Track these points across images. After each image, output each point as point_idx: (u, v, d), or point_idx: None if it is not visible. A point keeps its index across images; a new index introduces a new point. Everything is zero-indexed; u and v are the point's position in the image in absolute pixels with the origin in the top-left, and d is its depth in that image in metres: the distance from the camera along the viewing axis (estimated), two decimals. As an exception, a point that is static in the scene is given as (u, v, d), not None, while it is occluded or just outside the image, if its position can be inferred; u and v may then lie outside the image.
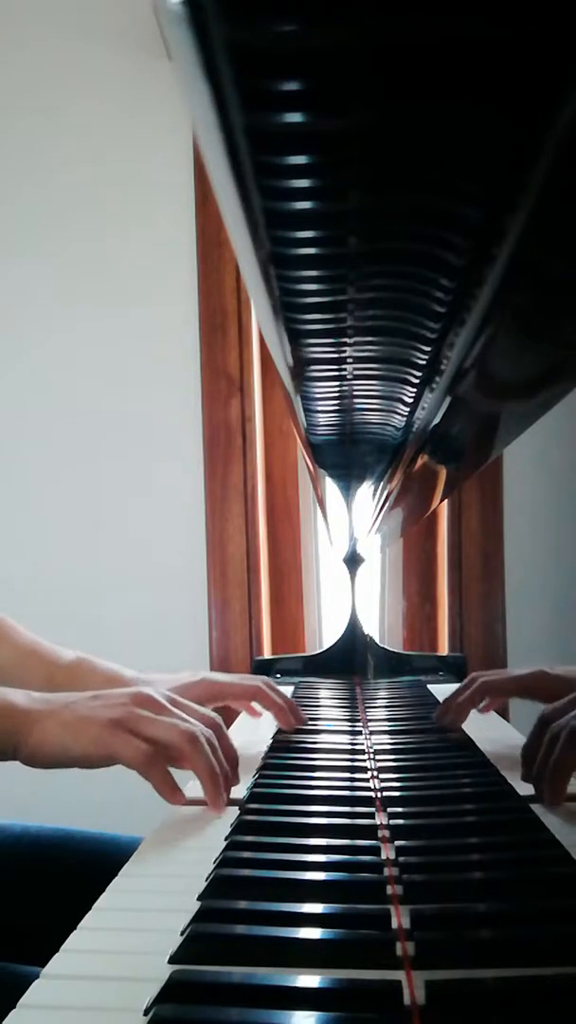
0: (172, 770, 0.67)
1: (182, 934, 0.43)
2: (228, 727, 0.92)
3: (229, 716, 0.94)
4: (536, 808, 0.64)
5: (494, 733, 0.94)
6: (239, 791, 0.70)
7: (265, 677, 0.93)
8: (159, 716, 0.68)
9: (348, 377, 0.56)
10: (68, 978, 0.41)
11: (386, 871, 0.51)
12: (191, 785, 0.68)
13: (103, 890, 0.52)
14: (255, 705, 0.93)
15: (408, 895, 0.48)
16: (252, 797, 0.68)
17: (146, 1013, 0.37)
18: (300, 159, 0.29)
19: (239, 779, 0.70)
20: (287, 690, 1.22)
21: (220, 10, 0.21)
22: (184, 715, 0.70)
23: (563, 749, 0.65)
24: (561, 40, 0.22)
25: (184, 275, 1.93)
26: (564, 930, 0.43)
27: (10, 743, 0.68)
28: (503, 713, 1.02)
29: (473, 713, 0.94)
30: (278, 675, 1.35)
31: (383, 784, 0.70)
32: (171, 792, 0.66)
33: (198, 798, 0.67)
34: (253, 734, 0.95)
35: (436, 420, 0.61)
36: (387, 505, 1.05)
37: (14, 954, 0.77)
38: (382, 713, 1.06)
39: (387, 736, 0.90)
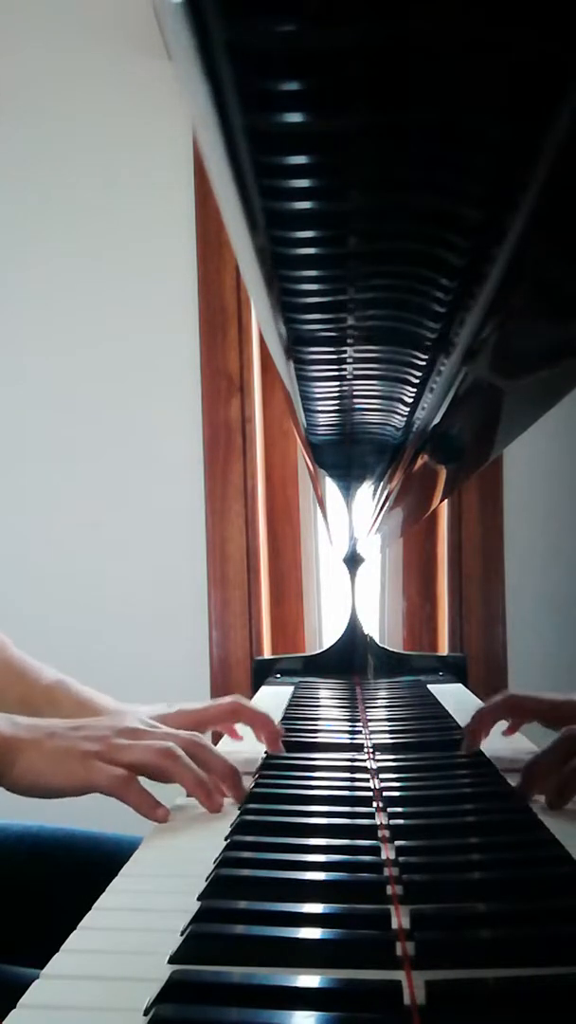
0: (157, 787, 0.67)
1: (182, 934, 0.43)
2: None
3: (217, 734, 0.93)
4: (536, 808, 0.64)
5: (495, 733, 0.93)
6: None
7: (237, 695, 0.91)
8: (135, 742, 0.68)
9: (348, 377, 0.56)
10: (68, 978, 0.41)
11: (386, 871, 0.51)
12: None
13: (103, 890, 0.52)
14: (236, 727, 0.91)
15: (408, 895, 0.48)
16: (252, 797, 0.68)
17: (146, 1013, 0.37)
18: (300, 159, 0.29)
19: (243, 790, 0.69)
20: (287, 690, 1.22)
21: (220, 10, 0.21)
22: (161, 735, 0.70)
23: None
24: (561, 40, 0.22)
25: (184, 275, 1.93)
26: (564, 930, 0.43)
27: None
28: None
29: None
30: (278, 675, 1.35)
31: (383, 784, 0.70)
32: (151, 809, 0.66)
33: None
34: (253, 735, 0.95)
35: (436, 420, 0.61)
36: (387, 505, 1.05)
37: (14, 954, 0.77)
38: (382, 713, 1.06)
39: (387, 736, 0.90)
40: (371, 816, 0.62)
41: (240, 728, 0.91)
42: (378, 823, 0.60)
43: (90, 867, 0.84)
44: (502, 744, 0.87)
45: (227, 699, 0.90)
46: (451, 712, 1.02)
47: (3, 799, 0.72)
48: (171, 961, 0.41)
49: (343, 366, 0.53)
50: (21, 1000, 0.38)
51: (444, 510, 1.90)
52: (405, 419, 0.66)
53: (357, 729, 0.93)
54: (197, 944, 0.42)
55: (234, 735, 0.92)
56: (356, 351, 0.50)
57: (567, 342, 0.43)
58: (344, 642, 1.36)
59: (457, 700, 1.12)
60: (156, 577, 1.92)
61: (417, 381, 0.55)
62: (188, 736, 0.71)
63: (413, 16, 0.22)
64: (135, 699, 0.93)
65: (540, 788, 0.67)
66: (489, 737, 0.87)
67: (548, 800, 0.65)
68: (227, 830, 0.60)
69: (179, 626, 1.91)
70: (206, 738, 0.74)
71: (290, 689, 1.23)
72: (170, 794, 0.69)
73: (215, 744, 0.85)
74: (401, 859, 0.52)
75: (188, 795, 0.69)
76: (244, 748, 0.88)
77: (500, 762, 0.77)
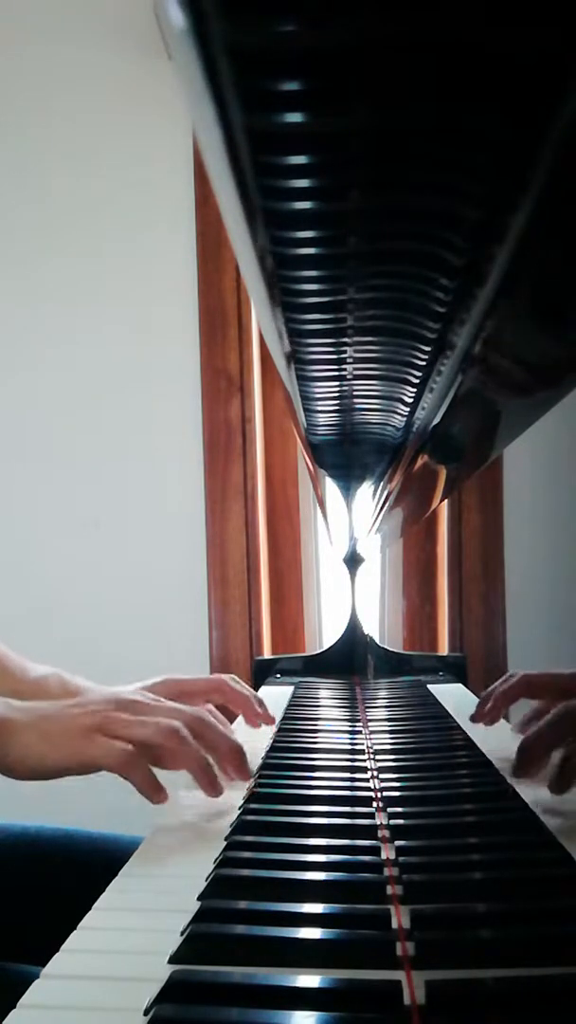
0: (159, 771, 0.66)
1: (182, 934, 0.43)
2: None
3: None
4: (536, 808, 0.64)
5: (494, 733, 0.93)
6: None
7: (232, 675, 0.92)
8: (137, 716, 0.66)
9: (348, 377, 0.56)
10: (68, 978, 0.41)
11: (386, 871, 0.51)
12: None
13: (103, 890, 0.52)
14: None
15: (408, 895, 0.48)
16: (252, 797, 0.68)
17: (146, 1013, 0.37)
18: (300, 159, 0.29)
19: (249, 770, 0.68)
20: (287, 690, 1.22)
21: (220, 10, 0.21)
22: (166, 712, 0.68)
23: None
24: (561, 40, 0.22)
25: (184, 275, 1.93)
26: (564, 930, 0.43)
27: None
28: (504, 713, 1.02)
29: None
30: (278, 675, 1.35)
31: (383, 784, 0.70)
32: (155, 791, 0.64)
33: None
34: (253, 734, 0.95)
35: (436, 420, 0.61)
36: (387, 505, 1.05)
37: (14, 954, 0.77)
38: (382, 713, 1.06)
39: (387, 736, 0.90)
40: (371, 816, 0.62)
41: (239, 731, 0.91)
42: (378, 823, 0.60)
43: (90, 867, 0.84)
44: (500, 744, 0.87)
45: (215, 676, 0.90)
46: (451, 712, 1.02)
47: (3, 799, 0.72)
48: (171, 961, 0.41)
49: (343, 366, 0.53)
50: (21, 1000, 0.38)
51: (444, 510, 1.90)
52: (405, 419, 0.66)
53: (357, 729, 0.93)
54: (197, 944, 0.42)
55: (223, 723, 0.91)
56: (356, 351, 0.50)
57: (567, 342, 0.43)
58: (344, 642, 1.36)
59: (457, 700, 1.12)
60: (156, 577, 1.92)
61: (417, 381, 0.55)
62: (192, 712, 0.69)
63: (413, 16, 0.22)
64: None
65: (537, 769, 0.65)
66: (488, 737, 0.87)
67: (550, 784, 0.64)
68: (227, 830, 0.60)
69: (179, 626, 1.91)
70: (210, 714, 0.72)
71: (290, 689, 1.23)
72: (170, 784, 0.68)
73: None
74: (401, 859, 0.52)
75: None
76: (250, 733, 0.88)
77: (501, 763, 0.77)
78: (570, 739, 0.65)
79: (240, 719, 1.02)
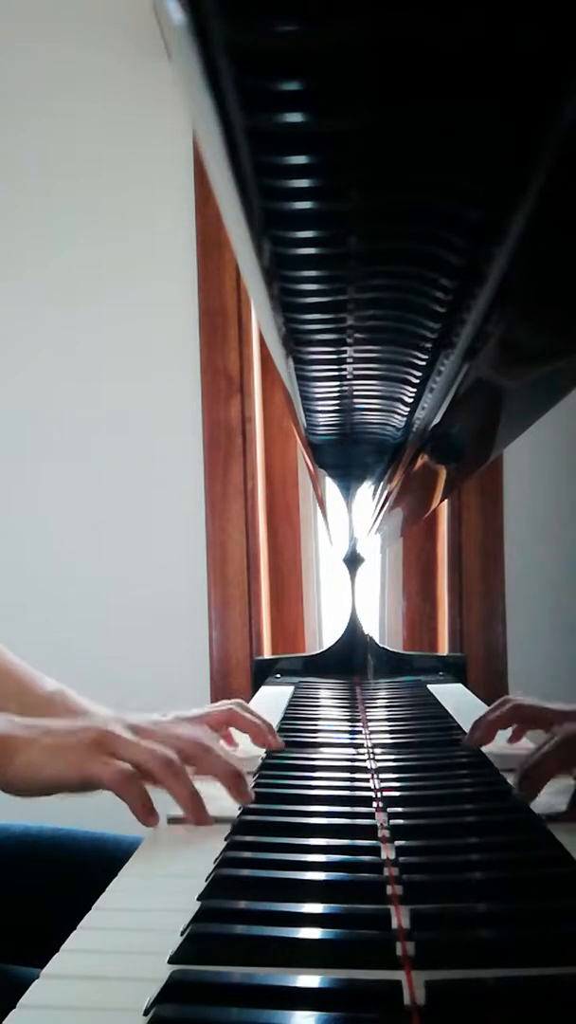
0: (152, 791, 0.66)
1: (182, 934, 0.43)
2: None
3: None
4: (536, 808, 0.64)
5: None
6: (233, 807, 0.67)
7: (239, 700, 0.91)
8: (138, 740, 0.67)
9: (348, 377, 0.56)
10: (68, 978, 0.41)
11: (386, 871, 0.51)
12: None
13: (103, 890, 0.52)
14: (232, 732, 0.90)
15: (408, 895, 0.48)
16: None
17: (146, 1013, 0.37)
18: (300, 159, 0.29)
19: (249, 793, 0.68)
20: (287, 690, 1.22)
21: (220, 10, 0.21)
22: (164, 738, 0.69)
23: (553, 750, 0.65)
24: (560, 40, 0.22)
25: (184, 275, 1.93)
26: (564, 930, 0.43)
27: None
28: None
29: (472, 715, 0.94)
30: (278, 675, 1.35)
31: (383, 784, 0.70)
32: (146, 814, 0.64)
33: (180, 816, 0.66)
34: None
35: (436, 420, 0.61)
36: (387, 505, 1.05)
37: (14, 954, 0.77)
38: (382, 713, 1.06)
39: (387, 736, 0.90)
40: (371, 816, 0.62)
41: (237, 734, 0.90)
42: (378, 823, 0.60)
43: (90, 867, 0.84)
44: (500, 744, 0.87)
45: (225, 704, 0.90)
46: (451, 712, 1.02)
47: (3, 799, 0.72)
48: (171, 961, 0.41)
49: (343, 366, 0.53)
50: (21, 1000, 0.38)
51: (444, 510, 1.90)
52: (405, 419, 0.66)
53: (357, 729, 0.93)
54: (197, 944, 0.42)
55: (230, 740, 0.91)
56: (356, 351, 0.50)
57: (567, 342, 0.43)
58: (344, 642, 1.36)
59: (457, 700, 1.12)
60: (156, 577, 1.92)
61: (417, 381, 0.55)
62: (192, 736, 0.70)
63: (413, 16, 0.22)
64: (135, 700, 0.93)
65: (537, 791, 0.66)
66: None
67: (568, 814, 0.63)
68: (227, 830, 0.60)
69: (179, 626, 1.91)
70: (211, 737, 0.72)
71: (290, 689, 1.23)
72: (167, 800, 0.68)
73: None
74: (401, 859, 0.52)
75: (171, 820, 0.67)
76: (246, 746, 0.88)
77: (498, 759, 0.77)
78: (548, 745, 0.66)
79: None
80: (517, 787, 0.67)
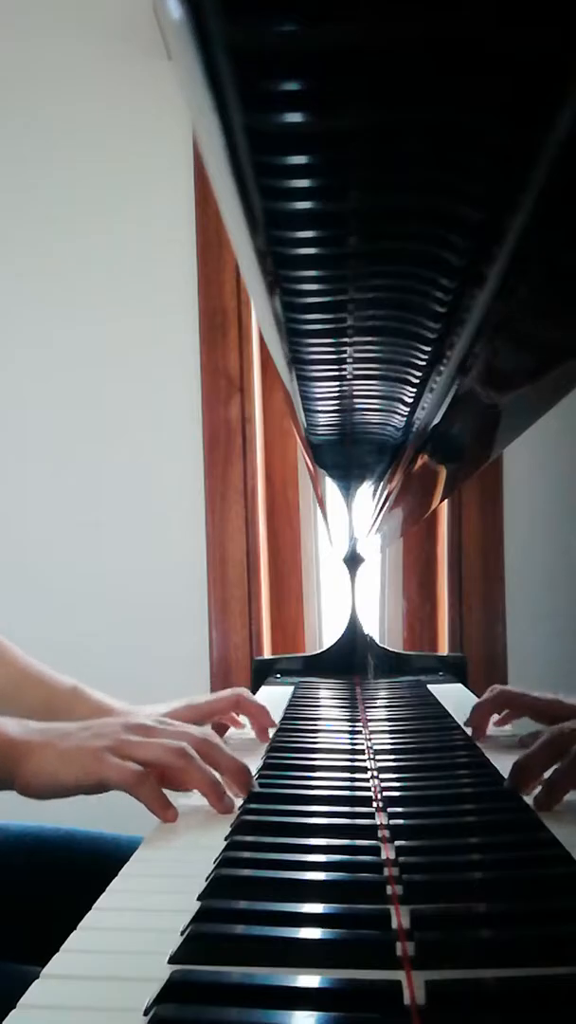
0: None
1: (182, 934, 0.43)
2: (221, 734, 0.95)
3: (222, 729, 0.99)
4: (536, 808, 0.64)
5: (493, 732, 0.94)
6: None
7: (239, 688, 0.99)
8: (148, 739, 0.69)
9: (348, 377, 0.56)
10: (68, 978, 0.41)
11: (386, 871, 0.51)
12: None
13: (103, 890, 0.52)
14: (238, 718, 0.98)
15: (408, 895, 0.48)
16: (252, 797, 0.68)
17: (146, 1013, 0.37)
18: (300, 159, 0.29)
19: (255, 787, 0.70)
20: (287, 690, 1.22)
21: (220, 10, 0.21)
22: (173, 735, 0.70)
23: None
24: (561, 40, 0.22)
25: (184, 275, 1.92)
26: (564, 930, 0.43)
27: (6, 774, 0.69)
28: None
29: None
30: (278, 675, 1.35)
31: (383, 784, 0.70)
32: (163, 809, 0.66)
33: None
34: (253, 734, 0.95)
35: (436, 420, 0.61)
36: (387, 505, 1.05)
37: (14, 954, 0.77)
38: (382, 713, 1.06)
39: (387, 736, 0.90)
40: (371, 816, 0.62)
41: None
42: (378, 823, 0.60)
43: (90, 867, 0.84)
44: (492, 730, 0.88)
45: (230, 691, 0.97)
46: (451, 712, 1.02)
47: (3, 799, 0.72)
48: (171, 961, 0.41)
49: (343, 366, 0.53)
50: (21, 1000, 0.38)
51: (444, 510, 1.90)
52: (405, 419, 0.66)
53: (357, 729, 0.93)
54: (197, 944, 0.42)
55: (236, 723, 0.98)
56: (356, 351, 0.50)
57: (567, 342, 0.43)
58: (344, 642, 1.36)
59: (457, 700, 1.12)
60: (156, 577, 1.92)
61: (417, 381, 0.55)
62: (200, 734, 0.72)
63: (413, 16, 0.22)
64: (135, 700, 0.93)
65: (530, 789, 0.67)
66: (488, 736, 0.88)
67: (536, 801, 0.65)
68: (227, 830, 0.60)
69: (179, 626, 1.91)
70: (217, 736, 0.74)
71: (290, 689, 1.23)
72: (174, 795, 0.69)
73: (221, 735, 0.89)
74: (401, 859, 0.52)
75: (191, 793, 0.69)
76: (251, 733, 0.94)
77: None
78: (558, 762, 0.67)
79: (240, 719, 1.02)
80: (508, 782, 0.68)
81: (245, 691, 0.97)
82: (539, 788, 0.66)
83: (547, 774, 0.67)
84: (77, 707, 0.92)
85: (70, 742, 0.69)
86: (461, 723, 0.94)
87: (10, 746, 0.69)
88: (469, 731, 0.91)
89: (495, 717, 0.95)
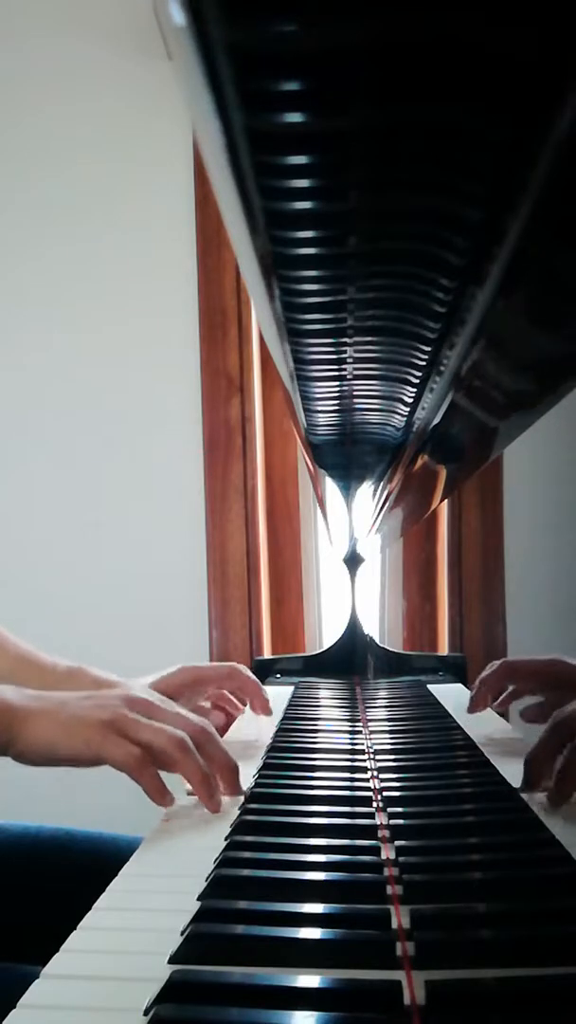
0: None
1: (182, 934, 0.43)
2: (224, 732, 0.95)
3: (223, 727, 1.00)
4: (536, 808, 0.64)
5: (493, 732, 0.94)
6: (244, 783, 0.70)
7: (235, 663, 1.02)
8: (150, 720, 0.68)
9: (348, 377, 0.56)
10: (68, 978, 0.41)
11: (386, 871, 0.51)
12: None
13: (103, 890, 0.52)
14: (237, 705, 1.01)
15: (408, 895, 0.48)
16: (252, 797, 0.68)
17: (146, 1013, 0.37)
18: (300, 159, 0.29)
19: (241, 788, 0.70)
20: (287, 690, 1.22)
21: (220, 11, 0.21)
22: (174, 718, 0.70)
23: None
24: (561, 40, 0.22)
25: (184, 275, 1.92)
26: (564, 930, 0.43)
27: (3, 740, 0.68)
28: (502, 713, 1.02)
29: (472, 715, 0.94)
30: (278, 675, 1.35)
31: (383, 784, 0.70)
32: (160, 795, 0.66)
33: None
34: (253, 734, 0.95)
35: (436, 420, 0.61)
36: (387, 505, 1.05)
37: (14, 954, 0.78)
38: (382, 713, 1.06)
39: (387, 736, 0.90)
40: (371, 816, 0.62)
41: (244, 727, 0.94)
42: (378, 823, 0.60)
43: (90, 867, 0.84)
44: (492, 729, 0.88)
45: (228, 664, 1.00)
46: (451, 712, 1.02)
47: (3, 799, 0.72)
48: (171, 961, 0.41)
49: (343, 366, 0.53)
50: (21, 1000, 0.38)
51: (444, 510, 1.90)
52: (405, 419, 0.66)
53: (357, 729, 0.93)
54: (197, 944, 0.42)
55: (236, 708, 1.01)
56: (356, 351, 0.50)
57: (567, 341, 0.43)
58: (344, 642, 1.36)
59: (457, 700, 1.12)
60: (156, 577, 1.92)
61: (417, 381, 0.55)
62: (198, 724, 0.71)
63: (412, 16, 0.22)
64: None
65: (543, 782, 0.66)
66: (485, 730, 0.88)
67: (549, 796, 0.65)
68: (227, 830, 0.60)
69: (179, 626, 1.91)
70: (213, 728, 0.74)
71: (290, 689, 1.23)
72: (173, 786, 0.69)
73: (222, 732, 0.89)
74: (401, 859, 0.52)
75: (189, 793, 0.69)
76: (251, 733, 0.93)
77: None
78: (567, 750, 0.66)
79: (241, 717, 1.03)
80: (523, 778, 0.67)
81: (241, 666, 0.99)
82: (551, 784, 0.65)
83: (557, 765, 0.66)
84: (78, 683, 0.91)
85: (70, 711, 0.68)
86: (461, 723, 0.94)
87: (8, 712, 0.68)
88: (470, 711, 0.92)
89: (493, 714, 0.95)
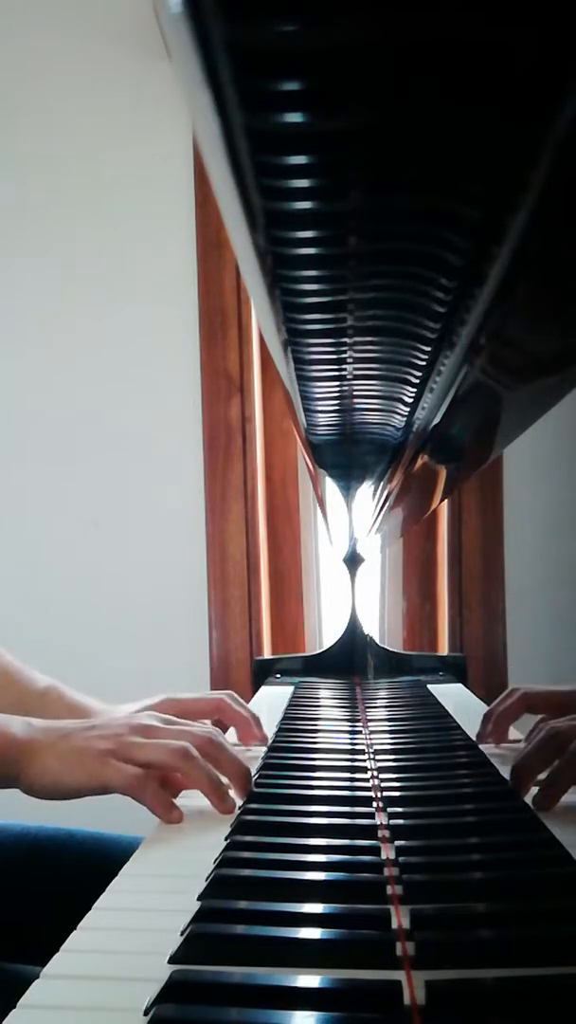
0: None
1: (182, 934, 0.43)
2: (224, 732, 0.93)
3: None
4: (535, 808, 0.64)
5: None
6: None
7: (230, 692, 0.93)
8: (149, 740, 0.68)
9: (348, 377, 0.56)
10: (68, 978, 0.41)
11: (386, 871, 0.51)
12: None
13: (103, 890, 0.52)
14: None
15: (408, 895, 0.48)
16: (252, 797, 0.68)
17: (146, 1013, 0.37)
18: (300, 159, 0.29)
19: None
20: (287, 690, 1.22)
21: (220, 10, 0.21)
22: (178, 735, 0.70)
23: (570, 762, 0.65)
24: (561, 40, 0.22)
25: (184, 275, 1.92)
26: (564, 930, 0.43)
27: (11, 773, 0.69)
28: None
29: (472, 715, 0.94)
30: (278, 675, 1.35)
31: (383, 784, 0.70)
32: (166, 811, 0.65)
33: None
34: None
35: (436, 420, 0.61)
36: (387, 505, 1.05)
37: (14, 954, 0.78)
38: (382, 713, 1.06)
39: (387, 736, 0.90)
40: (371, 816, 0.62)
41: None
42: (378, 823, 0.60)
43: (90, 867, 0.84)
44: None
45: (216, 694, 0.92)
46: (451, 712, 1.02)
47: (3, 799, 0.72)
48: (171, 961, 0.41)
49: (343, 366, 0.53)
50: (21, 1000, 0.38)
51: (444, 510, 1.90)
52: (405, 419, 0.66)
53: (357, 729, 0.93)
54: (197, 944, 0.42)
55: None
56: (356, 351, 0.50)
57: (567, 342, 0.43)
58: (344, 642, 1.36)
59: (457, 700, 1.12)
60: (156, 577, 1.92)
61: (417, 381, 0.55)
62: (203, 734, 0.71)
63: (412, 16, 0.22)
64: (135, 698, 0.93)
65: (529, 788, 0.67)
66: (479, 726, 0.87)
67: (535, 801, 0.65)
68: (227, 830, 0.60)
69: (179, 626, 1.91)
70: (221, 736, 0.73)
71: (290, 689, 1.23)
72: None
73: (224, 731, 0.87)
74: (401, 859, 0.52)
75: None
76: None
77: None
78: (557, 760, 0.66)
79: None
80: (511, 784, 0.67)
81: (232, 697, 0.91)
82: (536, 789, 0.66)
83: (543, 775, 0.67)
84: (51, 707, 0.89)
85: (73, 744, 0.68)
86: (461, 723, 0.94)
87: (15, 746, 0.69)
88: (482, 743, 0.87)
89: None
